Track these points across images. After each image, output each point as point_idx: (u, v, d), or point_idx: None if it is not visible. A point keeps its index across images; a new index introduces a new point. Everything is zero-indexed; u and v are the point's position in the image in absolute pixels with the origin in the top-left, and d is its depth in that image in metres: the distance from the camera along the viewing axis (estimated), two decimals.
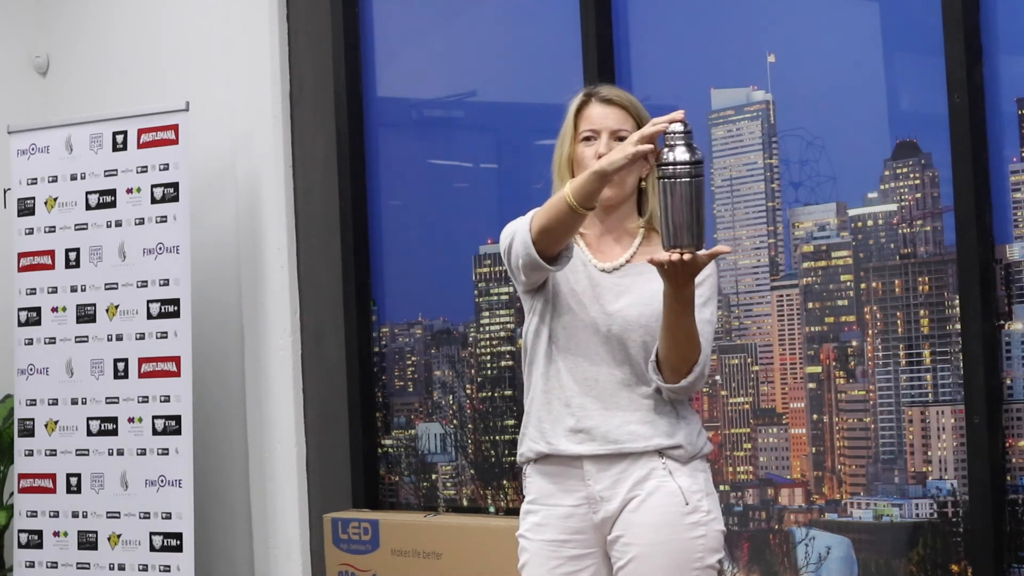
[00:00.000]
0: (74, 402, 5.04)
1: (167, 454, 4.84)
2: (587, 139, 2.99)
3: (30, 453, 5.10)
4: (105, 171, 5.02)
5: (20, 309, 5.17)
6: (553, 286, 2.99)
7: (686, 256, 2.70)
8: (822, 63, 3.94)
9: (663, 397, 2.93)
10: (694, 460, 2.94)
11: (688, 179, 2.69)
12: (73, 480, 5.01)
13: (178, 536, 4.80)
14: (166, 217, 4.90)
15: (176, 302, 4.87)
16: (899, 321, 3.77)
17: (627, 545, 2.91)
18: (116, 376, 4.96)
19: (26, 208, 5.17)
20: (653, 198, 2.97)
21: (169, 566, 4.80)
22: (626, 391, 2.93)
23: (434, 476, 4.87)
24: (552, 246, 2.86)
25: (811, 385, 3.94)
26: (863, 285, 3.83)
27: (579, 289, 2.98)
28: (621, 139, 2.91)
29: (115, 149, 5.00)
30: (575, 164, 2.99)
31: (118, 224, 4.99)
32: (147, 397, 4.90)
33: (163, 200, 4.90)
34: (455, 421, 4.80)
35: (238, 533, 5.17)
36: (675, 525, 2.89)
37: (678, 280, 2.75)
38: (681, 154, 2.70)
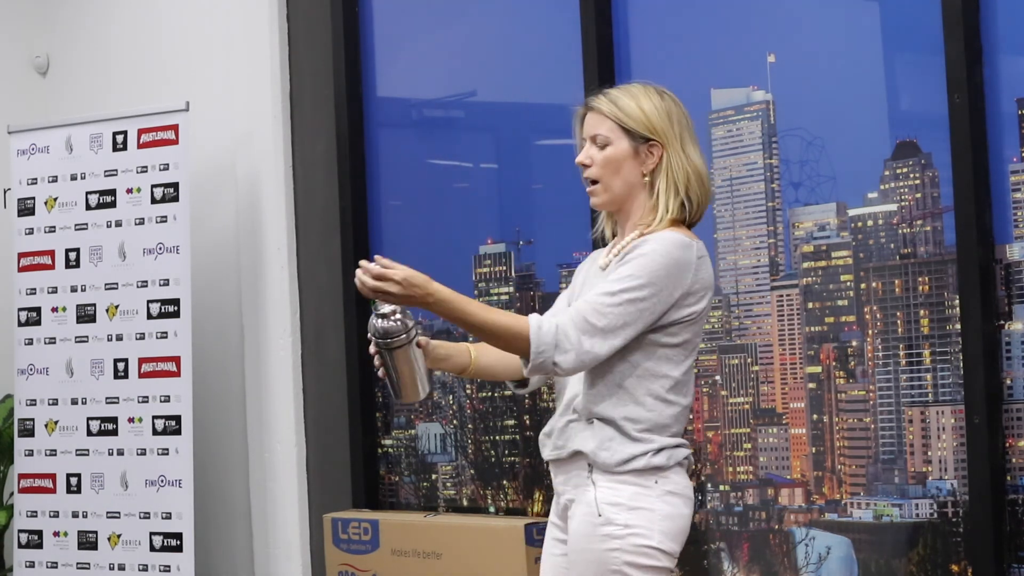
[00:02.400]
0: (74, 402, 5.04)
1: (167, 454, 4.84)
2: (582, 147, 3.05)
3: (30, 453, 5.10)
4: (105, 171, 5.02)
5: (20, 309, 5.17)
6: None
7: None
8: (822, 63, 3.94)
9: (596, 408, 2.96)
10: (624, 473, 2.91)
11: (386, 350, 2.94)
12: (73, 480, 5.01)
13: (178, 536, 4.80)
14: (166, 217, 4.90)
15: (176, 302, 4.87)
16: (899, 321, 3.77)
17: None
18: (116, 376, 4.96)
19: (26, 208, 5.17)
20: (666, 192, 2.98)
21: (169, 566, 4.80)
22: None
23: (434, 476, 4.87)
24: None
25: (811, 385, 3.94)
26: (863, 285, 3.83)
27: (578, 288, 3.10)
28: (596, 145, 2.99)
29: (115, 149, 5.00)
30: None
31: (118, 224, 4.99)
32: (147, 397, 4.90)
33: (163, 200, 4.90)
34: (455, 421, 4.80)
35: (238, 533, 5.17)
36: (588, 535, 2.91)
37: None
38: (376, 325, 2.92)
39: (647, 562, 2.87)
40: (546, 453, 3.03)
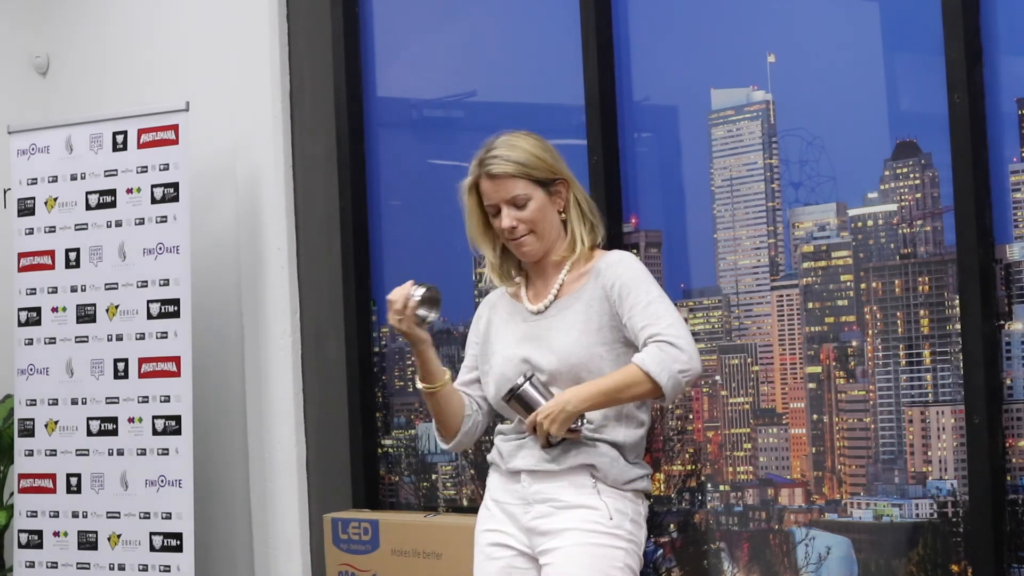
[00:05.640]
0: (74, 402, 5.04)
1: (167, 454, 4.84)
2: (495, 213, 3.22)
3: (30, 453, 5.10)
4: (105, 171, 5.02)
5: (20, 309, 5.17)
6: (487, 339, 3.32)
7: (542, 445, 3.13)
8: (822, 63, 3.94)
9: None
10: (628, 490, 3.20)
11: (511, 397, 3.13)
12: (73, 480, 5.01)
13: (178, 536, 4.80)
14: (166, 217, 4.90)
15: (176, 302, 4.87)
16: (899, 321, 3.77)
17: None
18: (116, 376, 4.96)
19: (26, 208, 5.17)
20: (577, 224, 3.23)
21: (169, 566, 4.80)
22: None
23: (434, 476, 4.87)
24: (445, 431, 3.37)
25: (811, 385, 3.94)
26: (863, 285, 3.83)
27: (508, 337, 3.25)
28: (516, 205, 3.17)
29: (115, 149, 5.00)
30: (494, 237, 3.25)
31: (118, 224, 4.99)
32: (147, 397, 4.90)
33: (163, 200, 4.91)
34: None
35: (238, 533, 5.17)
36: (599, 532, 3.16)
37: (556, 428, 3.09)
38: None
39: (637, 567, 3.16)
40: (527, 463, 3.19)
